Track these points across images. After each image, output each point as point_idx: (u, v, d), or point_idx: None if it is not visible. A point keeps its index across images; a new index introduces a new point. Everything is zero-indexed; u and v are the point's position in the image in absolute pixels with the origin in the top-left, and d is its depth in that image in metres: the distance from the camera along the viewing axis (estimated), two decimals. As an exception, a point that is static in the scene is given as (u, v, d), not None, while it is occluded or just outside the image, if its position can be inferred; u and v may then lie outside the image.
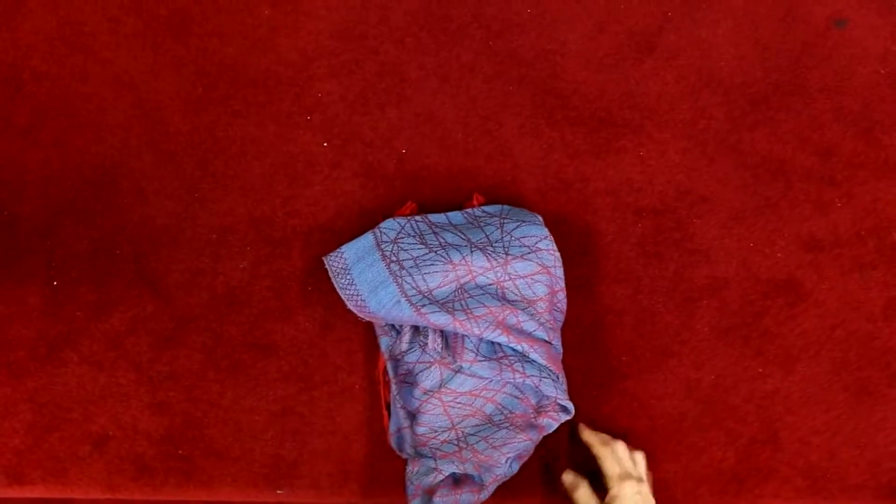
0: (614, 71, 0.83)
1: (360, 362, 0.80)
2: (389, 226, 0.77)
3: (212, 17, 0.83)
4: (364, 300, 0.74)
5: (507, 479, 0.75)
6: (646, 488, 0.72)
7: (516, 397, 0.74)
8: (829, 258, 0.81)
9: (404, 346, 0.74)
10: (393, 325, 0.76)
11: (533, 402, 0.75)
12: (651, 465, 0.78)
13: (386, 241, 0.76)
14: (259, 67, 0.83)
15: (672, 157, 0.82)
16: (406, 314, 0.72)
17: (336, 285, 0.75)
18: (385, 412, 0.77)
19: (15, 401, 0.80)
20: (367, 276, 0.74)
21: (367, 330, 0.80)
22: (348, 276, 0.75)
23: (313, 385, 0.80)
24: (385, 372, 0.77)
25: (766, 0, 0.84)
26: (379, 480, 0.80)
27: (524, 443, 0.73)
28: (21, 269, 0.81)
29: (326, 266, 0.76)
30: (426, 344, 0.73)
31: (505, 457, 0.73)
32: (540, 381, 0.72)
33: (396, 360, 0.76)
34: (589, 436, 0.76)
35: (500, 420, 0.74)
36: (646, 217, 0.82)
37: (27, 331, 0.81)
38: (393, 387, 0.76)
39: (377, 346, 0.78)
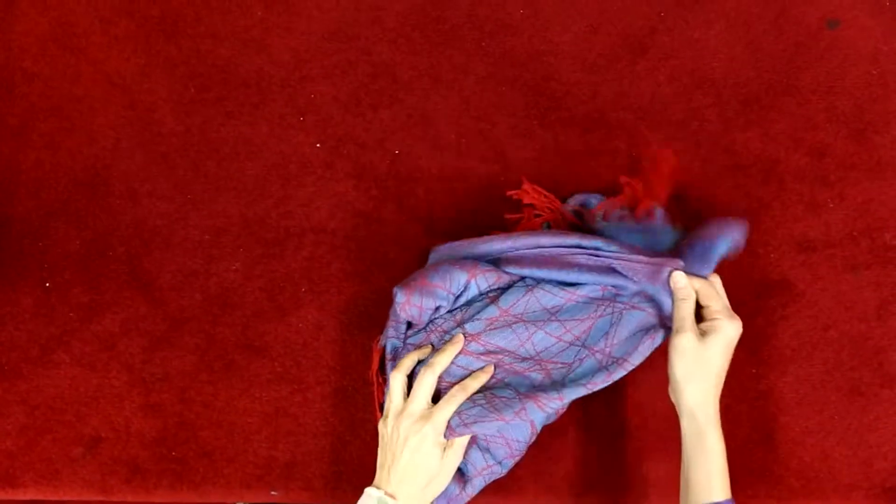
0: (607, 72, 0.83)
1: (354, 363, 0.80)
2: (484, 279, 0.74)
3: (204, 17, 0.83)
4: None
5: (500, 477, 0.75)
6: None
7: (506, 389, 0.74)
8: (822, 258, 0.81)
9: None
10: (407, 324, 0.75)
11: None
12: (644, 464, 0.78)
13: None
14: (251, 68, 0.83)
15: (665, 158, 0.82)
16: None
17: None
18: (379, 413, 0.77)
19: (7, 402, 0.80)
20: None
21: (360, 331, 0.80)
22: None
23: (306, 386, 0.80)
24: (378, 373, 0.77)
25: (758, 1, 0.84)
26: (372, 481, 0.79)
27: (497, 423, 0.71)
28: (13, 270, 0.81)
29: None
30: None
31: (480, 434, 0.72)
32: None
33: (395, 362, 0.75)
34: (690, 281, 0.71)
35: (481, 401, 0.73)
36: (639, 218, 0.82)
37: (19, 332, 0.81)
38: (386, 388, 0.76)
39: (370, 347, 0.78)
